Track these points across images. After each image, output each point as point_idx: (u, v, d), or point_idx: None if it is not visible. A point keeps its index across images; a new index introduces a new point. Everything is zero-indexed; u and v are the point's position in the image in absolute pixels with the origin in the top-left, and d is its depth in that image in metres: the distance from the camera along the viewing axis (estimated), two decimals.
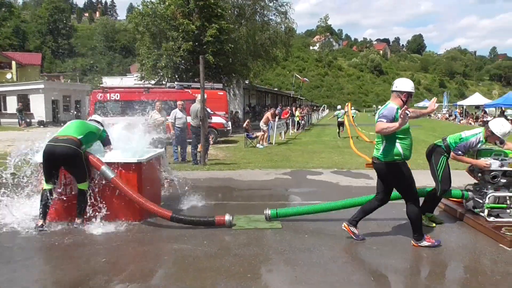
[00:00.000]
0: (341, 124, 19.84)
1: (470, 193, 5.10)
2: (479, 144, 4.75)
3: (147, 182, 5.29)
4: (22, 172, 5.07)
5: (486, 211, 4.64)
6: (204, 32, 21.08)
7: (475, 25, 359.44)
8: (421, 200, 5.09)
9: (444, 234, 4.70)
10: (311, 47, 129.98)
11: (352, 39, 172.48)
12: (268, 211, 5.12)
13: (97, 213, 4.89)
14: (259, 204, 6.03)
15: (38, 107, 29.65)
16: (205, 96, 10.17)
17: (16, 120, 28.23)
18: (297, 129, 23.55)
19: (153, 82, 22.39)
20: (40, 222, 4.74)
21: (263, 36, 28.15)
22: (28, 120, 28.67)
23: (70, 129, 4.98)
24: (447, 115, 48.04)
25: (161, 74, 22.18)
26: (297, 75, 55.72)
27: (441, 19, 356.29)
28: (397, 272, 3.70)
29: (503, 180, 4.68)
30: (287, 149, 14.16)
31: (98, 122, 5.48)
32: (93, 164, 4.93)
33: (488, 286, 3.46)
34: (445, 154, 4.94)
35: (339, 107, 23.32)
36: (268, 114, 15.96)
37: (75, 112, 31.72)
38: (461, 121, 38.14)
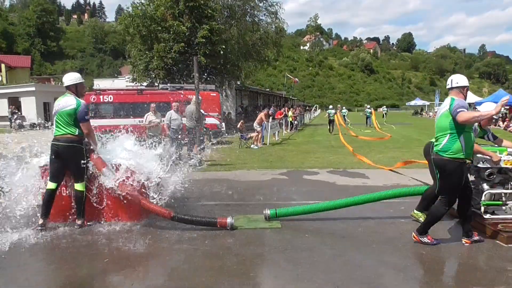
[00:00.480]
0: (331, 122, 22.48)
1: None
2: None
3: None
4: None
5: (482, 208, 4.72)
6: (195, 33, 21.06)
7: (463, 22, 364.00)
8: (418, 198, 5.19)
9: (441, 231, 4.78)
10: (301, 47, 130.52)
11: (342, 38, 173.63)
12: (267, 211, 5.16)
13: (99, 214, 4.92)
14: (257, 204, 6.06)
15: (30, 110, 29.40)
16: (200, 98, 10.19)
17: (8, 123, 28.01)
18: (290, 129, 23.63)
19: (145, 83, 22.31)
20: (41, 221, 4.81)
21: (254, 37, 28.16)
22: (20, 122, 28.43)
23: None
24: None
25: (153, 75, 22.10)
26: (289, 75, 55.90)
27: (430, 17, 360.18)
28: (397, 269, 3.75)
29: (499, 177, 4.77)
30: (282, 149, 14.22)
31: (72, 91, 5.09)
32: (96, 166, 4.98)
33: (485, 282, 3.54)
34: None
35: (331, 106, 25.50)
36: (261, 115, 15.99)
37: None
38: None
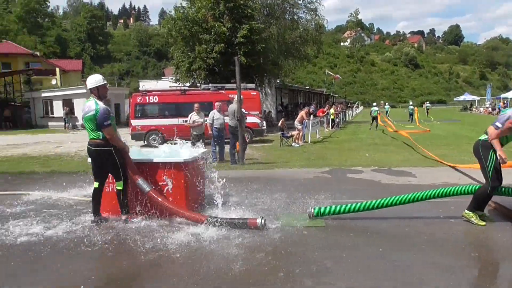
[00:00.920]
0: (374, 118, 22.93)
1: None
2: None
3: (193, 180, 5.46)
4: None
5: None
6: (235, 33, 21.29)
7: None
8: (470, 197, 4.98)
9: (495, 232, 4.57)
10: (341, 43, 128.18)
11: (384, 33, 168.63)
12: (311, 210, 5.15)
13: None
14: (300, 202, 6.05)
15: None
16: (241, 97, 10.30)
17: (62, 123, 29.86)
18: (331, 127, 23.34)
19: (187, 84, 22.84)
20: (93, 217, 5.10)
21: (293, 35, 28.06)
22: (73, 123, 30.20)
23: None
24: (490, 109, 45.93)
25: (195, 76, 22.59)
26: (329, 72, 55.15)
27: (478, 8, 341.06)
28: (447, 271, 3.62)
29: None
30: (323, 147, 14.09)
31: (95, 94, 5.10)
32: (131, 176, 5.13)
33: None
34: (493, 148, 4.78)
35: (374, 104, 27.09)
36: (302, 113, 15.93)
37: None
38: None
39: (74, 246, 4.39)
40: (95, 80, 5.10)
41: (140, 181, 5.08)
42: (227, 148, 10.89)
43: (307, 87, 63.87)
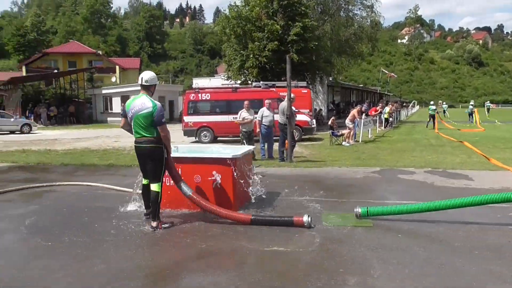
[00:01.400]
0: (431, 117, 23.39)
1: None
2: None
3: (241, 176, 5.59)
4: None
5: None
6: (288, 31, 21.27)
7: None
8: None
9: None
10: (399, 40, 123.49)
11: (446, 29, 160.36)
12: (358, 209, 5.09)
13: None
14: (348, 201, 6.00)
15: None
16: (293, 95, 10.31)
17: (119, 118, 31.39)
18: (384, 127, 22.65)
19: (239, 82, 23.17)
20: (145, 211, 5.16)
21: (347, 32, 27.49)
22: None
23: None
24: None
25: (247, 74, 22.86)
26: (384, 70, 53.44)
27: None
28: (503, 280, 3.44)
29: None
30: (375, 147, 13.74)
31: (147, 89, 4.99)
32: (173, 179, 5.16)
33: None
34: None
35: (432, 103, 26.17)
36: (354, 111, 15.60)
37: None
38: None
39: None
40: (154, 77, 5.05)
41: (183, 184, 5.04)
42: (276, 145, 10.96)
43: (360, 85, 62.37)
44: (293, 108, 11.03)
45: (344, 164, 9.63)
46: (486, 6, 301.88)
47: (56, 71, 41.45)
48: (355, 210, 5.12)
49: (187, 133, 16.91)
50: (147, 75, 4.98)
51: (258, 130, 10.61)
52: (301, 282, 3.43)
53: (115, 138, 18.13)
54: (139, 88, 5.12)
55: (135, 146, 4.98)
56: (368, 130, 17.55)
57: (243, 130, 10.45)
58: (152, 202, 4.90)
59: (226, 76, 24.71)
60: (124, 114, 5.06)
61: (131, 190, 6.12)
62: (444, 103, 35.30)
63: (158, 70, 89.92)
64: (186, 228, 4.91)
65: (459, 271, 3.62)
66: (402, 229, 4.76)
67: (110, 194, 6.78)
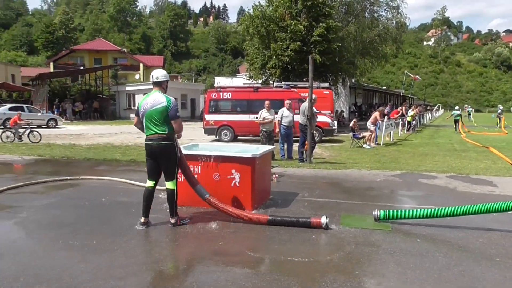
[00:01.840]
0: (456, 122, 24.00)
1: None
2: None
3: (259, 176, 5.62)
4: None
5: None
6: (311, 31, 21.15)
7: None
8: None
9: None
10: (425, 42, 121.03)
11: (474, 31, 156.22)
12: (377, 212, 5.04)
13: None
14: (367, 204, 5.95)
15: None
16: (315, 96, 10.28)
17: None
18: (407, 130, 22.26)
19: (260, 81, 23.19)
20: (142, 219, 4.86)
21: (371, 33, 27.15)
22: None
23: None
24: None
25: (268, 73, 22.87)
26: (408, 73, 52.53)
27: None
28: None
29: None
30: (396, 150, 13.54)
31: (160, 85, 4.90)
32: (189, 182, 5.10)
33: None
34: None
35: (457, 107, 26.37)
36: (376, 114, 15.40)
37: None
38: None
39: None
40: (165, 74, 5.01)
41: (199, 187, 5.04)
42: (295, 146, 10.94)
43: (383, 87, 61.51)
44: (314, 109, 11.00)
45: (364, 167, 9.54)
46: None
47: (82, 67, 42.55)
48: (373, 213, 5.08)
49: (208, 131, 17.07)
50: (157, 72, 4.97)
51: (277, 130, 10.62)
52: (317, 282, 3.44)
53: (137, 135, 18.44)
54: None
55: (146, 143, 4.85)
56: (390, 133, 17.31)
57: (263, 130, 10.47)
58: (168, 200, 4.91)
59: (248, 76, 24.77)
60: (137, 113, 4.97)
61: None
62: (469, 107, 34.62)
63: (181, 69, 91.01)
64: (204, 226, 4.97)
65: (479, 278, 3.55)
66: (422, 233, 4.69)
67: (131, 189, 6.92)
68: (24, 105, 25.54)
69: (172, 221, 4.90)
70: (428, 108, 47.43)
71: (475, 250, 4.22)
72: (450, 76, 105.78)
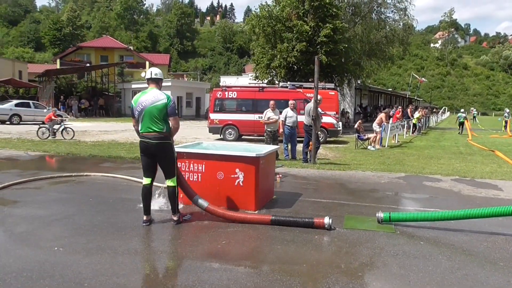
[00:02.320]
0: (461, 124, 24.73)
1: None
2: None
3: (263, 175, 5.62)
4: None
5: None
6: (317, 32, 21.10)
7: None
8: None
9: None
10: (432, 45, 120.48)
11: (482, 34, 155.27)
12: (380, 214, 5.02)
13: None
14: (370, 206, 5.93)
15: None
16: (320, 97, 10.25)
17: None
18: (412, 132, 22.17)
19: (266, 81, 23.18)
20: (144, 217, 4.86)
21: (378, 35, 27.06)
22: None
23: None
24: None
25: (274, 73, 22.84)
26: (414, 75, 52.29)
27: None
28: None
29: None
30: (401, 152, 13.48)
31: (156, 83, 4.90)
32: (187, 195, 5.13)
33: None
34: None
35: (462, 110, 26.84)
36: (382, 115, 15.35)
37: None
38: None
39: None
40: (160, 71, 5.02)
41: (197, 198, 5.03)
42: (299, 146, 10.93)
43: (389, 89, 61.26)
44: (319, 110, 10.97)
45: (368, 168, 9.51)
46: None
47: (88, 64, 42.70)
48: (377, 214, 5.06)
49: (212, 130, 17.09)
50: (156, 70, 4.96)
51: (281, 130, 10.62)
52: (320, 283, 3.43)
53: None
54: (169, 84, 5.20)
55: (142, 141, 4.76)
56: (395, 135, 17.24)
57: (268, 129, 10.47)
58: (170, 198, 4.92)
59: (254, 76, 24.75)
60: (133, 112, 4.85)
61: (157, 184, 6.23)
62: (474, 110, 34.87)
63: (186, 67, 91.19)
64: (207, 224, 4.97)
65: (483, 283, 3.52)
66: (425, 236, 4.67)
67: (135, 186, 6.93)
68: (30, 101, 25.64)
69: (175, 218, 4.92)
70: (434, 110, 47.22)
71: (479, 254, 4.19)
72: (457, 78, 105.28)
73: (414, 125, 22.66)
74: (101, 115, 34.59)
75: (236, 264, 3.82)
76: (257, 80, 23.88)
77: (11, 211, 5.37)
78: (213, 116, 17.00)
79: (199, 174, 5.62)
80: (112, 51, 49.80)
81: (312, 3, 21.04)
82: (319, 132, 11.02)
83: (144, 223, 4.82)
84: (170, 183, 4.87)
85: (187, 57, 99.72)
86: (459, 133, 24.18)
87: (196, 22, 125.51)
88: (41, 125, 15.81)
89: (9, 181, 6.82)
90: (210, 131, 17.19)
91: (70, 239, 4.31)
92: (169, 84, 33.35)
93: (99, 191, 6.56)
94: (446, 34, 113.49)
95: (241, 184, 5.49)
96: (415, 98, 53.60)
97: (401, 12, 27.75)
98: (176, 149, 5.22)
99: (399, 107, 24.26)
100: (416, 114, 23.28)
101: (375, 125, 14.99)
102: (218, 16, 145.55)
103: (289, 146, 10.91)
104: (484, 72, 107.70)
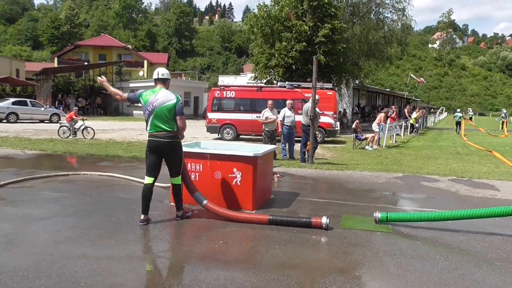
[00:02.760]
0: (458, 124, 25.42)
1: None
2: None
3: (261, 175, 5.62)
4: None
5: None
6: (316, 32, 21.11)
7: None
8: None
9: None
10: (430, 45, 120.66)
11: (480, 35, 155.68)
12: (378, 214, 5.03)
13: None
14: (367, 206, 5.94)
15: None
16: (318, 97, 10.25)
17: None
18: (410, 132, 22.21)
19: (264, 81, 23.17)
20: (142, 216, 4.84)
21: (377, 35, 27.13)
22: None
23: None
24: None
25: (272, 73, 22.83)
26: (412, 75, 52.37)
27: None
28: None
29: None
30: (399, 152, 13.51)
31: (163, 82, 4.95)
32: (188, 190, 5.13)
33: None
34: None
35: (458, 110, 28.14)
36: (381, 116, 15.36)
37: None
38: None
39: None
40: (168, 72, 5.08)
41: (197, 194, 5.08)
42: (297, 146, 10.93)
43: (387, 89, 61.35)
44: (317, 109, 10.97)
45: (366, 168, 9.52)
46: None
47: (86, 63, 42.62)
48: (374, 214, 5.06)
49: (210, 129, 17.07)
50: (163, 70, 5.03)
51: (279, 130, 10.62)
52: (317, 283, 3.43)
53: (140, 131, 18.49)
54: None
55: (151, 140, 4.78)
56: (393, 135, 17.26)
57: (266, 129, 10.46)
58: (175, 195, 5.04)
59: (253, 76, 24.73)
60: (132, 98, 5.01)
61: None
62: (471, 110, 35.28)
63: (185, 66, 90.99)
64: (205, 224, 4.96)
65: (479, 282, 3.53)
66: (422, 236, 4.68)
67: (132, 185, 6.92)
68: (28, 100, 25.56)
69: (179, 214, 5.04)
70: (431, 111, 47.33)
71: (476, 254, 4.20)
72: (455, 79, 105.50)
73: (412, 125, 22.71)
74: (99, 114, 34.53)
75: (233, 263, 3.81)
76: (255, 80, 23.88)
77: (7, 210, 5.35)
78: (211, 115, 16.98)
79: (197, 174, 5.61)
80: (110, 49, 49.72)
81: (311, 3, 21.04)
82: (317, 132, 11.02)
83: (141, 222, 4.81)
84: (176, 181, 4.97)
85: (186, 56, 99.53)
86: (457, 132, 24.75)
87: (195, 21, 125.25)
88: (62, 124, 15.85)
89: (5, 180, 6.79)
90: (208, 131, 17.18)
91: (66, 238, 4.29)
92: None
93: (96, 190, 6.54)
94: (444, 35, 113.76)
95: (238, 183, 5.49)
96: (413, 98, 53.69)
97: (400, 13, 27.85)
98: None
99: (393, 107, 24.33)
100: (414, 114, 23.32)
101: (374, 125, 15.00)
102: (216, 15, 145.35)
103: (287, 146, 10.91)
104: (482, 72, 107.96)
